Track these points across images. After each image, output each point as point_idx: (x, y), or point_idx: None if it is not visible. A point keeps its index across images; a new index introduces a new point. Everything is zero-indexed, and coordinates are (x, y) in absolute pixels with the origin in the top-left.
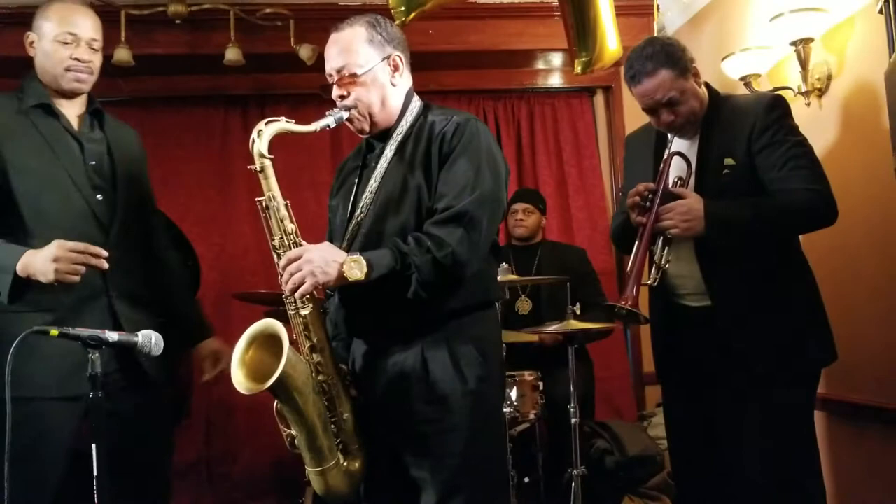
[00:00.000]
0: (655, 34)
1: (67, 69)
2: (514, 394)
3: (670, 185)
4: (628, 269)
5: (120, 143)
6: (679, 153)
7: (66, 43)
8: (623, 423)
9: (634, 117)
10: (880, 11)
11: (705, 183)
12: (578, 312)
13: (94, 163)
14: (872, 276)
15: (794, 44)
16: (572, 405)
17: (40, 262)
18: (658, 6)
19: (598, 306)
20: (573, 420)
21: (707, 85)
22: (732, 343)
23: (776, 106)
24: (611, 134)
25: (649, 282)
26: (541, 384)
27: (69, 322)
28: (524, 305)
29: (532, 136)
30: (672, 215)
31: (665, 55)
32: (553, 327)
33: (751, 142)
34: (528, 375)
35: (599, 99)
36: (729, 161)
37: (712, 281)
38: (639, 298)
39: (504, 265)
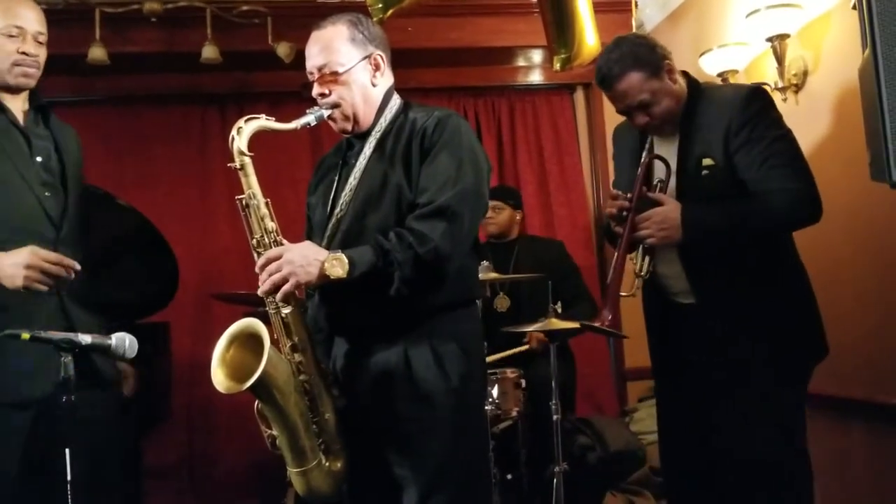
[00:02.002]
0: (634, 30)
1: (15, 63)
2: (495, 391)
3: (651, 188)
4: (608, 280)
5: (64, 142)
6: (657, 156)
7: (12, 36)
8: (605, 419)
9: (615, 114)
10: (854, 7)
11: (685, 185)
12: (560, 310)
13: (40, 159)
14: (850, 270)
15: (770, 40)
16: (554, 402)
17: (9, 266)
18: (636, 3)
19: (581, 299)
20: (555, 416)
21: (686, 75)
22: (717, 336)
23: (753, 99)
24: (591, 130)
25: (629, 293)
26: (522, 381)
27: (19, 321)
28: (503, 303)
29: (513, 133)
30: (648, 224)
31: (633, 57)
32: (536, 326)
33: (728, 140)
34: (510, 373)
35: (580, 95)
36: (707, 161)
37: (696, 280)
38: (619, 314)
39: (485, 263)
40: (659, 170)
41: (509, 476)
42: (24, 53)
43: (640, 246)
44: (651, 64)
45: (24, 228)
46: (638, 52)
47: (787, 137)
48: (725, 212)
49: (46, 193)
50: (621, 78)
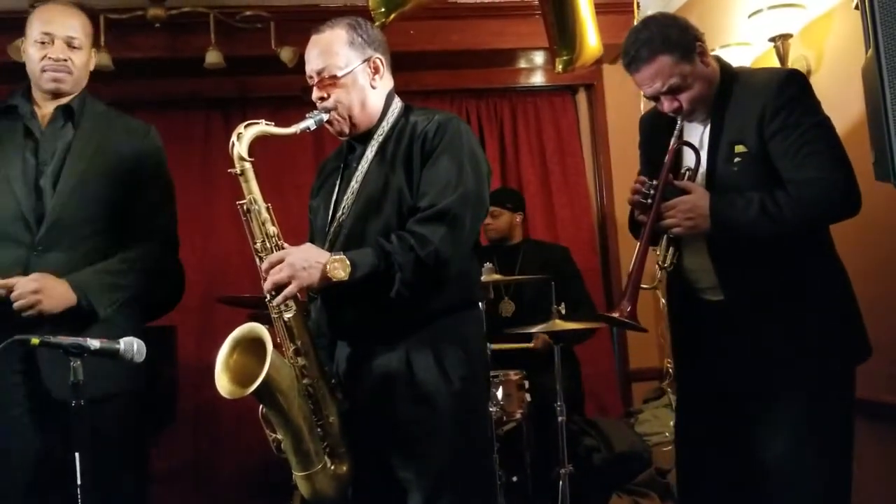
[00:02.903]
0: None
1: (43, 70)
2: (499, 393)
3: (679, 176)
4: (629, 271)
5: (93, 141)
6: (686, 142)
7: (42, 43)
8: (610, 421)
9: (617, 115)
10: (856, 7)
11: (716, 173)
12: (563, 312)
13: (44, 161)
14: (854, 269)
15: (772, 40)
16: (559, 403)
17: None
18: (638, 3)
19: (583, 305)
20: (560, 418)
21: (719, 59)
22: (750, 337)
23: (790, 83)
24: (594, 132)
25: (651, 285)
26: (526, 383)
27: None
28: (507, 307)
29: (515, 135)
30: (675, 213)
31: (662, 39)
32: (540, 327)
33: (762, 126)
34: (514, 375)
35: (582, 97)
36: (740, 148)
37: (725, 275)
38: (636, 305)
39: (488, 265)
40: (688, 158)
41: (514, 478)
42: (50, 58)
43: (665, 236)
44: (682, 46)
45: (1, 232)
46: (668, 33)
47: (825, 124)
48: (758, 202)
49: (36, 196)
50: (650, 61)
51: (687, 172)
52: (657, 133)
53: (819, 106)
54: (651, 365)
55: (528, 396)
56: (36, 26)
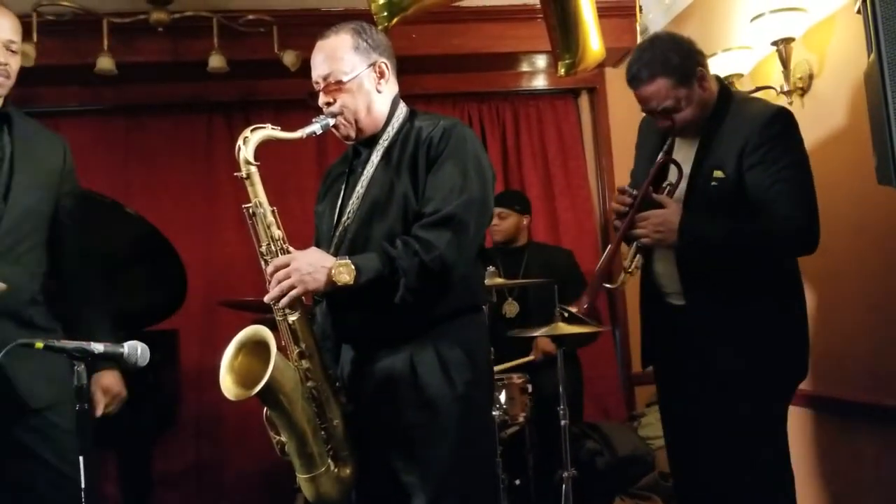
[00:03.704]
0: (638, 35)
1: None
2: (502, 397)
3: (660, 190)
4: (596, 268)
5: (29, 151)
6: (672, 159)
7: None
8: (613, 424)
9: (620, 118)
10: (858, 11)
11: (694, 192)
12: (566, 314)
13: None
14: (856, 273)
15: (775, 43)
16: (561, 407)
17: None
18: (640, 7)
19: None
20: (563, 422)
21: (720, 81)
22: (702, 343)
23: (775, 121)
24: (596, 135)
25: (614, 285)
26: (529, 386)
27: None
28: (511, 308)
29: (517, 138)
30: (646, 224)
31: (663, 62)
32: (543, 331)
33: (742, 157)
34: (517, 378)
35: (584, 100)
36: (718, 174)
37: (688, 283)
38: (595, 302)
39: (491, 268)
40: (673, 173)
41: (517, 481)
42: None
43: (634, 243)
44: (681, 71)
45: None
46: (669, 58)
47: (801, 166)
48: (724, 228)
49: None
50: (649, 82)
51: (668, 187)
52: (651, 136)
53: (801, 145)
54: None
55: (531, 400)
56: None
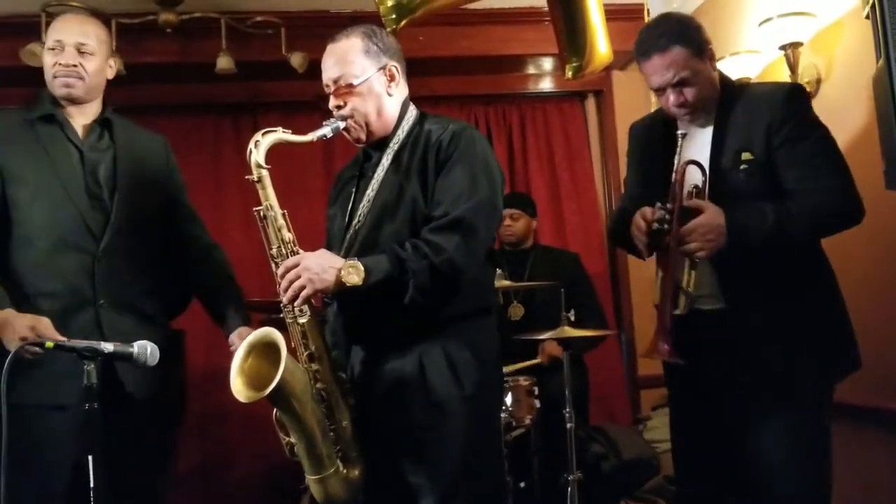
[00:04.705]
0: None
1: (54, 76)
2: (508, 399)
3: (688, 196)
4: (655, 304)
5: (131, 151)
6: (693, 161)
7: (53, 50)
8: (618, 427)
9: (626, 121)
10: (867, 16)
11: (721, 180)
12: (573, 318)
13: (93, 171)
14: (865, 279)
15: (783, 48)
16: (567, 410)
17: (10, 331)
18: (648, 10)
19: (593, 312)
20: (568, 425)
21: (718, 71)
22: (748, 347)
23: (795, 96)
24: (602, 138)
25: (679, 311)
26: (535, 389)
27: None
28: (517, 311)
29: (524, 141)
30: (695, 237)
31: (679, 31)
32: (549, 334)
33: (769, 135)
34: (523, 381)
35: (591, 103)
36: (746, 155)
37: (727, 284)
38: (672, 340)
39: (498, 271)
40: (695, 175)
41: (522, 484)
42: (60, 65)
43: (686, 259)
44: (696, 42)
45: (64, 240)
46: (684, 29)
47: (829, 136)
48: (772, 212)
49: (92, 206)
50: (666, 51)
51: (694, 190)
52: (652, 144)
53: (818, 120)
54: (660, 372)
55: (537, 402)
56: (50, 35)
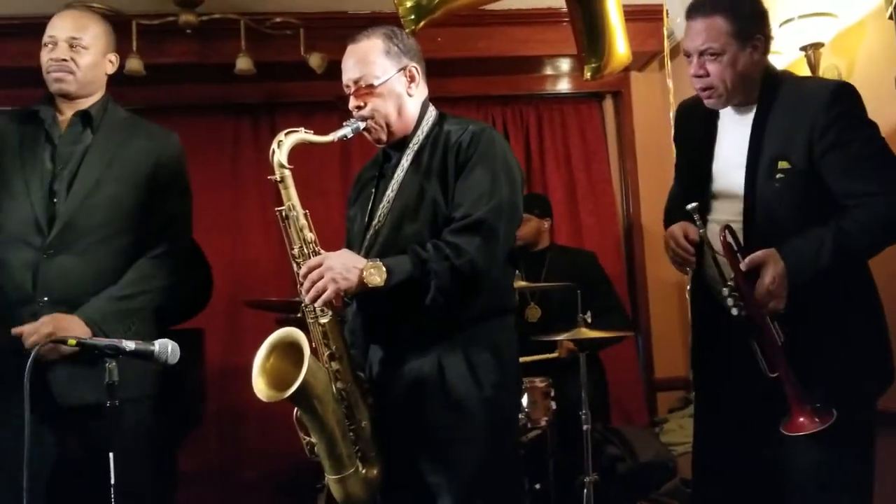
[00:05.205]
0: (665, 39)
1: (47, 71)
2: (525, 400)
3: (736, 259)
4: (771, 376)
5: (108, 148)
6: (727, 226)
7: (46, 45)
8: (635, 429)
9: (644, 122)
10: (890, 17)
11: (756, 192)
12: (590, 320)
13: (63, 167)
14: (883, 284)
15: (804, 48)
16: (584, 411)
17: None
18: (667, 11)
19: (614, 310)
20: (585, 426)
21: (767, 66)
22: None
23: (841, 97)
24: (620, 139)
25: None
26: (552, 391)
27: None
28: (534, 312)
29: (541, 141)
30: (766, 297)
31: (730, 5)
32: (566, 335)
33: (811, 143)
34: (540, 382)
35: (608, 104)
36: (783, 164)
37: None
38: (811, 407)
39: (516, 272)
40: (726, 177)
41: (537, 486)
42: (52, 60)
43: (775, 322)
44: (743, 23)
45: (15, 236)
46: (737, 5)
47: (879, 136)
48: (830, 241)
49: (47, 202)
50: (707, 16)
51: (738, 252)
52: (690, 124)
53: (867, 117)
54: (677, 374)
55: (553, 404)
56: (46, 32)
